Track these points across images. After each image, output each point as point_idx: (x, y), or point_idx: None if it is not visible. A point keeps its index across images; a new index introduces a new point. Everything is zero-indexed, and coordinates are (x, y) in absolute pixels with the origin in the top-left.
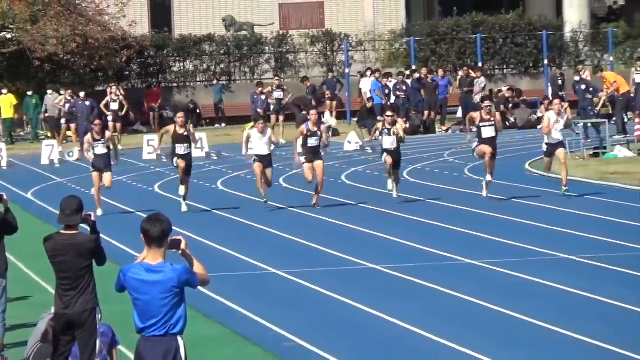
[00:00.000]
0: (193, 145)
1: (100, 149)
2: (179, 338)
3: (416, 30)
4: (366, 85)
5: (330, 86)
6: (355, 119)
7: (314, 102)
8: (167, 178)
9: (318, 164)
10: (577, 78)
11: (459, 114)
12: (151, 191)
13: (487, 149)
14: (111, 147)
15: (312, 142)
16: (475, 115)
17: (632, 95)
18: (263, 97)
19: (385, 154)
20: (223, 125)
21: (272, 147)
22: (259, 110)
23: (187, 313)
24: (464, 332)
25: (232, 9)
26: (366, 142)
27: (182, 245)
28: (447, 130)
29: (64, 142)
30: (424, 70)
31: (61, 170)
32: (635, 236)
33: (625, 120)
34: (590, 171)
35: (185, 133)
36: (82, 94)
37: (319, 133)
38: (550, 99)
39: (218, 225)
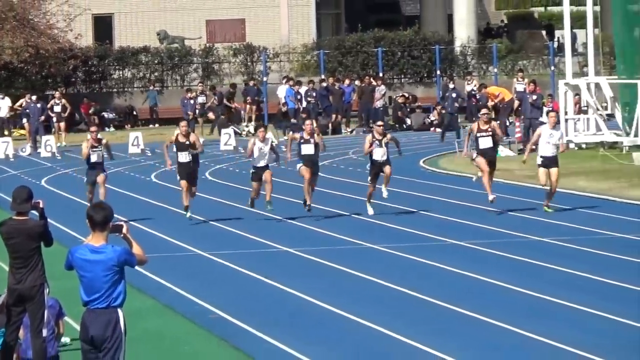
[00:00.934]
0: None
1: (96, 157)
2: (119, 310)
3: (325, 44)
4: (281, 92)
5: (251, 93)
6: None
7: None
8: (110, 170)
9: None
10: (451, 86)
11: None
12: None
13: (484, 166)
14: (104, 153)
15: (307, 149)
16: (474, 126)
17: (514, 102)
18: (192, 101)
19: (372, 166)
20: (157, 125)
21: (274, 155)
22: (189, 112)
23: (126, 289)
24: (360, 305)
25: (165, 24)
26: (281, 141)
27: (124, 230)
28: (351, 132)
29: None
30: (331, 79)
31: (15, 163)
32: (512, 226)
33: (508, 124)
34: (475, 168)
35: (187, 142)
36: (34, 97)
37: (312, 141)
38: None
39: (153, 213)
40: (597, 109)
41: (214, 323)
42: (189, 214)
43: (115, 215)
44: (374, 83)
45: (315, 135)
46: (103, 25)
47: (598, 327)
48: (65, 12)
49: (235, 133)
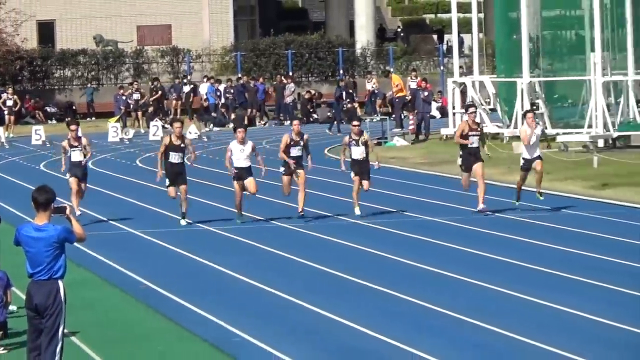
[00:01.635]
0: (185, 154)
1: (77, 156)
2: (60, 282)
3: (241, 46)
4: (203, 89)
5: (176, 90)
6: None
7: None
8: (50, 159)
9: (300, 172)
10: (370, 86)
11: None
12: (38, 169)
13: (467, 173)
14: (86, 153)
15: (295, 152)
16: (463, 125)
17: (407, 98)
18: (124, 97)
19: (356, 165)
20: (93, 119)
21: (253, 157)
22: (121, 107)
23: (66, 262)
24: (271, 276)
25: (100, 29)
26: (203, 133)
27: (67, 211)
28: (265, 124)
29: None
30: (246, 78)
31: None
32: (407, 206)
33: (402, 117)
34: (373, 156)
35: (182, 144)
36: None
37: (301, 143)
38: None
39: (90, 196)
40: (481, 104)
41: (143, 293)
42: (184, 221)
43: (58, 199)
44: (285, 81)
45: (305, 136)
46: (46, 30)
47: (458, 289)
48: (13, 19)
49: (163, 126)
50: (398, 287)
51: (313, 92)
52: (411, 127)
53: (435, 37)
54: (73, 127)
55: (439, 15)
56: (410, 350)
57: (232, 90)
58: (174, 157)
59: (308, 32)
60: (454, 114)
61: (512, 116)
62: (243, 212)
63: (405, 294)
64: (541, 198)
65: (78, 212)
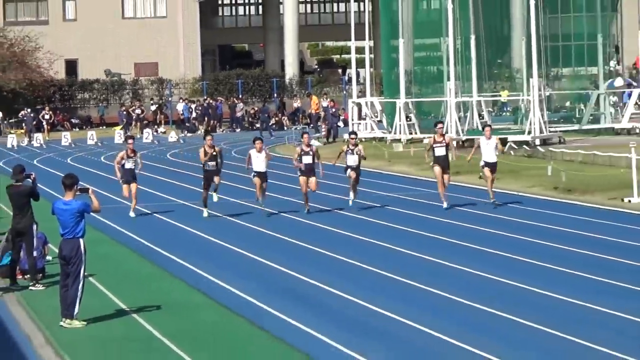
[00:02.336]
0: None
1: (130, 164)
2: (81, 240)
3: (207, 77)
4: (180, 107)
5: (162, 107)
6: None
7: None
8: (76, 155)
9: (312, 180)
10: (295, 105)
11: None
12: (66, 162)
13: (438, 170)
14: (138, 162)
15: (306, 160)
16: (430, 139)
17: (321, 113)
18: (124, 112)
19: (349, 170)
20: (104, 127)
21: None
22: (123, 120)
23: (85, 226)
24: (197, 258)
25: (109, 65)
26: (180, 137)
27: (89, 192)
28: (222, 131)
29: None
30: (210, 99)
31: (17, 150)
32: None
33: (318, 126)
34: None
35: (214, 152)
36: (29, 110)
37: (312, 152)
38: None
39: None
40: (372, 117)
41: (148, 251)
42: (206, 212)
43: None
44: (236, 102)
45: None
46: (71, 66)
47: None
48: (48, 58)
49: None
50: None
51: (256, 108)
52: (324, 133)
53: (340, 70)
54: (130, 141)
55: (343, 55)
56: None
57: (200, 108)
58: (209, 166)
59: (252, 67)
60: (353, 124)
61: (393, 125)
62: (260, 199)
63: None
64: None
65: (133, 215)
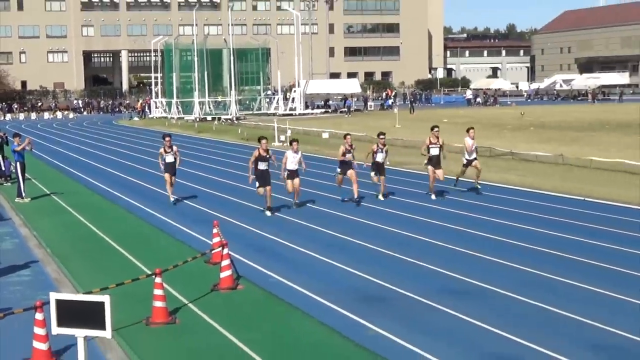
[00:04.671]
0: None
1: (170, 158)
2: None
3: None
4: None
5: None
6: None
7: None
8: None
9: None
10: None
11: None
12: None
13: (431, 170)
14: (177, 157)
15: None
16: (427, 140)
17: None
18: None
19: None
20: None
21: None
22: None
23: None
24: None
25: None
26: None
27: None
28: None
29: None
30: None
31: None
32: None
33: None
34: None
35: (267, 155)
36: None
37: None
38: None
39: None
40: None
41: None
42: (268, 213)
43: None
44: None
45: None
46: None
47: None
48: None
49: None
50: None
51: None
52: None
53: None
54: (167, 138)
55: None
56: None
57: None
58: (262, 165)
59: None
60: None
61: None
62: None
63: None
64: (479, 187)
65: (172, 199)
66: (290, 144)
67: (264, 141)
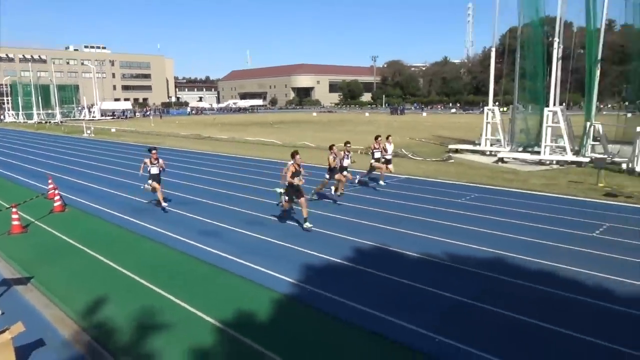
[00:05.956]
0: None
1: (154, 170)
2: None
3: None
4: None
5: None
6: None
7: None
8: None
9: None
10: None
11: None
12: None
13: (380, 165)
14: (163, 168)
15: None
16: (371, 145)
17: None
18: None
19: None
20: None
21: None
22: None
23: None
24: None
25: None
26: None
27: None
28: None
29: None
30: None
31: None
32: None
33: None
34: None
35: (300, 170)
36: None
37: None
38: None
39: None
40: None
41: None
42: (308, 224)
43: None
44: None
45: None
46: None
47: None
48: None
49: None
50: None
51: None
52: None
53: None
54: (154, 152)
55: None
56: None
57: None
58: (295, 180)
59: None
60: None
61: None
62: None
63: None
64: (382, 183)
65: (165, 204)
66: (293, 156)
67: (298, 156)
